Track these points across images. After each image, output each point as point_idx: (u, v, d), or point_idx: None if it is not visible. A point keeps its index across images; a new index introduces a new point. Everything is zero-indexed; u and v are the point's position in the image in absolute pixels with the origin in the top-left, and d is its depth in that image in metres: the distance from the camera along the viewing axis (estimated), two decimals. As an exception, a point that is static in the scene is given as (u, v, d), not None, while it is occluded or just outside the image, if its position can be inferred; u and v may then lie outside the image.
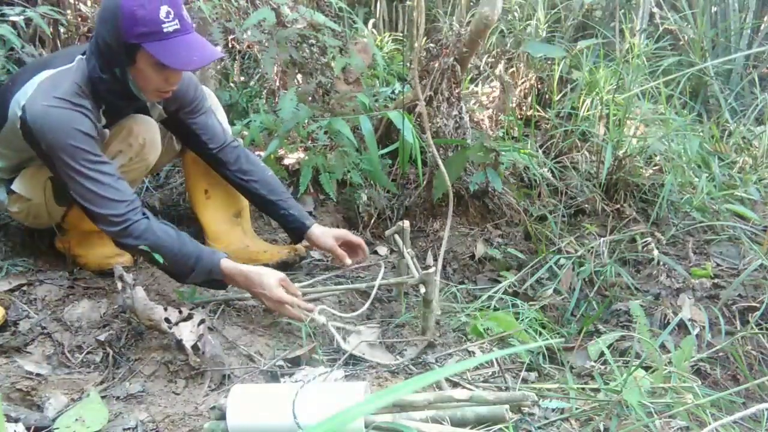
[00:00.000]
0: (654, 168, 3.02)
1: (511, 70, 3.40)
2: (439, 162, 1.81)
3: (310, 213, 2.54)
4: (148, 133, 1.86)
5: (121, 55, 1.67)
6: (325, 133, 2.52)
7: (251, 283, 1.73)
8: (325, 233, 2.04)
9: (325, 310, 1.79)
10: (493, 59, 3.54)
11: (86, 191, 1.67)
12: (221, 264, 1.73)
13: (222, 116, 2.28)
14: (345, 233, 2.08)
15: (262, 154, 2.53)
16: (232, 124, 2.66)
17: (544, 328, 2.04)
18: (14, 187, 1.89)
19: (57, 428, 1.33)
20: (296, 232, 2.06)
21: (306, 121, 2.50)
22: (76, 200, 1.71)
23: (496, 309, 2.06)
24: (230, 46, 2.98)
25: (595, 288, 2.34)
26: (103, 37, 1.66)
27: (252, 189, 2.05)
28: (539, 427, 1.37)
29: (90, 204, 1.69)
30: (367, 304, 1.86)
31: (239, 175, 2.04)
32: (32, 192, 1.89)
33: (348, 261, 2.01)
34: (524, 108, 3.35)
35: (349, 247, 2.06)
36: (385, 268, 2.19)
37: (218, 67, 3.02)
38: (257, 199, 2.08)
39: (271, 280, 1.72)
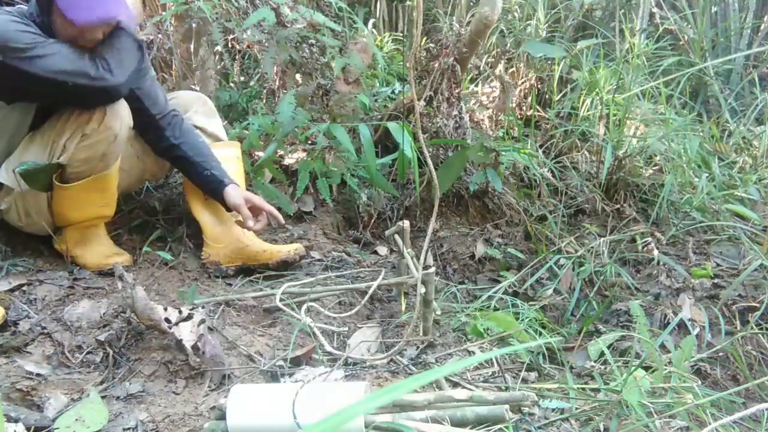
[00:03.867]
0: (654, 168, 3.02)
1: (511, 70, 3.40)
2: (433, 174, 1.83)
3: (309, 213, 2.54)
4: (108, 104, 1.86)
5: (44, 3, 1.76)
6: (325, 135, 2.52)
7: None
8: (237, 193, 2.09)
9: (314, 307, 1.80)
10: (493, 59, 3.54)
11: (51, 61, 1.72)
12: None
13: (217, 122, 2.29)
14: (256, 198, 2.11)
15: (262, 154, 2.53)
16: (231, 125, 2.66)
17: (544, 328, 2.04)
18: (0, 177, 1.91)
19: (57, 428, 1.33)
20: (215, 191, 2.11)
21: (305, 124, 2.50)
22: (49, 81, 1.73)
23: (496, 309, 2.06)
24: (230, 46, 2.98)
25: (595, 288, 2.34)
26: None
27: (180, 152, 2.10)
28: (539, 427, 1.37)
29: (59, 73, 1.73)
30: (362, 303, 1.86)
31: (171, 140, 2.10)
32: (13, 180, 1.90)
33: (250, 223, 2.07)
34: (524, 108, 3.35)
35: (257, 213, 2.11)
36: (385, 268, 2.19)
37: (218, 67, 3.02)
38: (183, 161, 2.12)
39: None
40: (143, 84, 2.05)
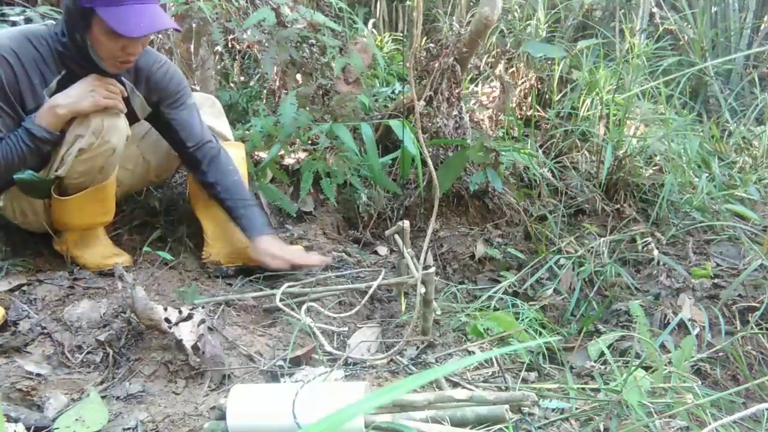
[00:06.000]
0: (654, 168, 3.02)
1: (511, 70, 3.40)
2: (434, 174, 1.83)
3: (309, 213, 2.54)
4: (108, 116, 1.83)
5: (79, 19, 1.71)
6: (327, 135, 2.52)
7: (62, 98, 1.78)
8: (263, 249, 2.01)
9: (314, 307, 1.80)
10: (493, 59, 3.54)
11: None
12: (33, 118, 1.78)
13: (224, 122, 2.29)
14: (279, 252, 2.02)
15: (264, 155, 2.54)
16: (232, 125, 2.66)
17: (544, 328, 2.04)
18: None
19: (57, 428, 1.33)
20: (245, 235, 2.08)
21: (306, 124, 2.50)
22: None
23: (496, 309, 2.06)
24: (230, 46, 2.98)
25: (595, 288, 2.34)
26: (65, 1, 1.72)
27: (215, 191, 2.09)
28: (539, 427, 1.37)
29: None
30: (362, 303, 1.86)
31: (208, 177, 2.08)
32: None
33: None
34: (524, 108, 3.35)
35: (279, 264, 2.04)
36: (385, 268, 2.19)
37: (218, 67, 3.02)
38: (218, 201, 2.11)
39: (81, 83, 1.79)
40: (177, 115, 2.04)
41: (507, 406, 1.33)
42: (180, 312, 1.59)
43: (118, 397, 1.45)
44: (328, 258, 2.12)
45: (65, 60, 1.81)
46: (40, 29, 1.82)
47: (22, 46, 1.77)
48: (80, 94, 1.78)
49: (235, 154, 2.26)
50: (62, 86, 1.82)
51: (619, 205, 2.82)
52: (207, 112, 2.25)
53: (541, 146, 3.10)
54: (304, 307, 1.78)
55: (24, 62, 1.77)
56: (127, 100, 1.91)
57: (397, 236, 1.99)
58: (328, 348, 1.67)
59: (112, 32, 1.68)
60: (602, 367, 1.80)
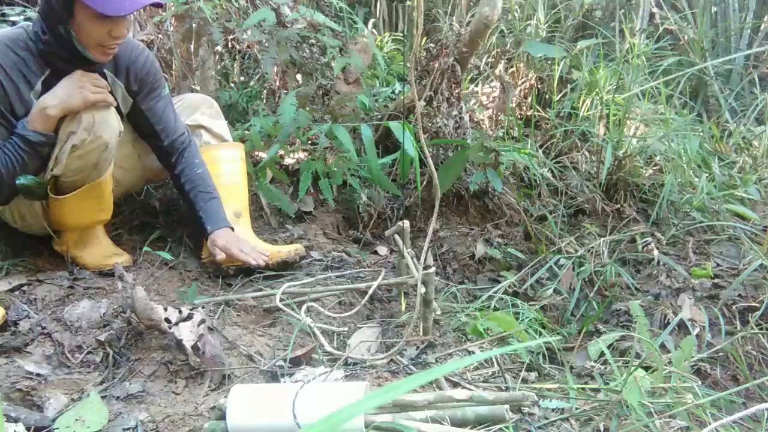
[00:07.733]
0: (654, 168, 3.02)
1: (511, 70, 3.40)
2: (434, 174, 1.83)
3: (309, 213, 2.54)
4: (98, 112, 1.82)
5: (61, 10, 1.70)
6: (326, 135, 2.52)
7: (51, 99, 1.76)
8: (211, 244, 2.01)
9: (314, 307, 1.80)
10: (493, 59, 3.54)
11: None
12: (25, 124, 1.77)
13: (222, 123, 2.29)
14: (234, 249, 2.00)
15: (264, 155, 2.54)
16: (232, 125, 2.67)
17: (544, 328, 2.04)
18: None
19: (57, 428, 1.33)
20: (203, 233, 2.07)
21: (306, 125, 2.50)
22: None
23: (496, 309, 2.06)
24: (230, 46, 2.98)
25: (595, 288, 2.34)
26: None
27: (178, 183, 2.10)
28: (539, 427, 1.37)
29: None
30: (362, 303, 1.86)
31: (172, 170, 2.10)
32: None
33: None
34: (524, 108, 3.35)
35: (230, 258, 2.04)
36: (385, 268, 2.19)
37: (218, 67, 3.02)
38: (181, 193, 2.12)
39: (67, 81, 1.77)
40: (154, 106, 2.04)
41: (507, 406, 1.33)
42: (180, 312, 1.59)
43: (118, 397, 1.45)
44: (263, 259, 2.03)
45: (49, 58, 1.80)
46: (17, 32, 1.80)
47: (2, 53, 1.76)
48: (68, 92, 1.77)
49: (235, 155, 2.26)
50: (47, 86, 1.81)
51: (619, 205, 2.82)
52: (205, 114, 2.26)
53: (541, 146, 3.10)
54: (304, 307, 1.78)
55: (7, 70, 1.76)
56: (111, 93, 1.91)
57: (397, 236, 1.98)
58: (328, 348, 1.67)
59: (98, 15, 1.67)
60: (602, 367, 1.80)
